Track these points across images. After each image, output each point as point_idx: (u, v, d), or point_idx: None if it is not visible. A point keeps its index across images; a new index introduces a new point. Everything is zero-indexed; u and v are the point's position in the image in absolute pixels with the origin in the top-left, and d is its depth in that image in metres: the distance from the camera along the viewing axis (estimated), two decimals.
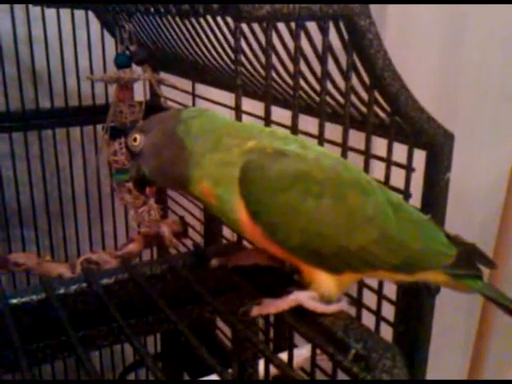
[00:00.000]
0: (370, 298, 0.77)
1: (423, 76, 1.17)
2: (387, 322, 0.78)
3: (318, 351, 0.77)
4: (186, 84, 1.15)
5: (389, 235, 0.50)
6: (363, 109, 0.71)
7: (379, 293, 0.76)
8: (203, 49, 0.94)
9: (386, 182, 0.70)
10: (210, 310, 0.64)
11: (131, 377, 1.40)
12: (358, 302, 0.76)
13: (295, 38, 0.57)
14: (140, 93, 1.09)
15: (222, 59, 0.92)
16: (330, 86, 0.68)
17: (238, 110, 0.60)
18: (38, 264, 0.99)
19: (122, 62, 0.99)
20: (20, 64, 1.19)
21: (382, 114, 0.70)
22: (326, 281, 0.50)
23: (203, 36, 0.90)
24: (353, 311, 0.75)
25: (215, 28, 0.84)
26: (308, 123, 0.76)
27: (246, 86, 0.92)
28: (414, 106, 0.65)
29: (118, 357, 1.48)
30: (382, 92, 0.64)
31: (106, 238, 1.37)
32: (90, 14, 1.22)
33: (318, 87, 0.72)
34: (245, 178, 0.48)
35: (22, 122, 1.22)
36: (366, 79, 0.64)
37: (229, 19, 0.79)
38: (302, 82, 0.74)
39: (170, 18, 0.94)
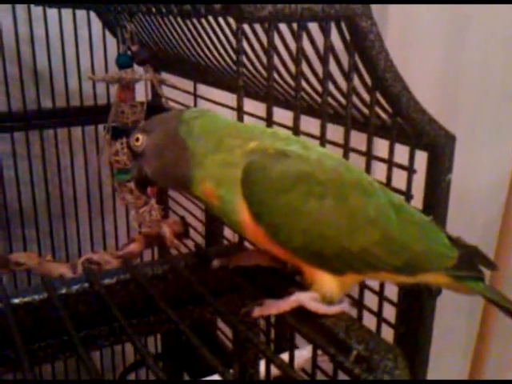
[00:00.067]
0: (371, 300, 0.77)
1: (425, 77, 1.17)
2: (388, 323, 0.78)
3: (319, 352, 0.77)
4: (187, 84, 1.15)
5: (391, 236, 0.50)
6: (365, 110, 0.71)
7: (380, 294, 0.76)
8: (205, 49, 0.94)
9: (388, 183, 0.70)
10: (211, 310, 0.64)
11: (131, 377, 1.40)
12: (359, 304, 0.76)
13: (297, 38, 0.57)
14: (141, 93, 1.09)
15: (224, 60, 0.92)
16: (331, 86, 0.68)
17: (239, 111, 0.60)
18: (39, 264, 0.99)
19: (124, 63, 0.99)
20: (22, 64, 1.19)
21: (383, 115, 0.70)
22: (327, 282, 0.50)
23: (205, 36, 0.90)
24: (354, 312, 0.75)
25: (217, 28, 0.84)
26: (310, 124, 0.76)
27: (247, 87, 0.92)
28: (415, 107, 0.65)
29: (119, 357, 1.48)
30: (384, 93, 0.64)
31: (107, 237, 1.38)
32: (92, 14, 1.22)
33: (319, 88, 0.72)
34: (247, 178, 0.48)
35: (23, 122, 1.22)
36: (368, 80, 0.64)
37: (230, 20, 0.79)
38: (303, 83, 0.74)
39: (171, 18, 0.94)
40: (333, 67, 0.63)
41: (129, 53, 0.99)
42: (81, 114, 1.28)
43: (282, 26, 0.64)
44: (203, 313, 0.64)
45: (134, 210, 1.07)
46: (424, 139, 0.69)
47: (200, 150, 0.51)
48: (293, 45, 0.62)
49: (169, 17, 0.94)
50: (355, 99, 0.68)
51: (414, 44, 1.20)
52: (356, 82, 0.63)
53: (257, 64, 0.84)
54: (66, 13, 1.19)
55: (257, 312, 0.50)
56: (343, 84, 0.66)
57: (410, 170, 0.71)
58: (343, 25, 0.57)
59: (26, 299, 0.54)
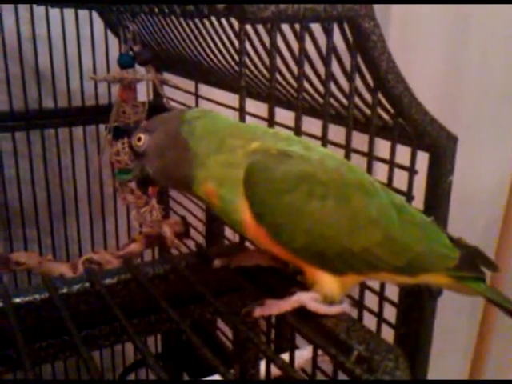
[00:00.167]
0: (371, 300, 0.77)
1: (426, 77, 1.17)
2: (389, 323, 0.78)
3: (320, 352, 0.77)
4: (189, 85, 1.16)
5: (392, 237, 0.50)
6: (367, 111, 0.71)
7: (381, 295, 0.76)
8: (207, 50, 0.94)
9: (389, 184, 0.70)
10: (211, 310, 0.64)
11: (131, 377, 1.40)
12: (359, 304, 0.76)
13: (299, 39, 0.57)
14: (143, 93, 1.09)
15: (226, 60, 0.92)
16: (333, 87, 0.68)
17: (242, 111, 0.60)
18: (40, 263, 0.99)
19: (126, 63, 0.99)
20: (24, 63, 1.19)
21: (385, 116, 0.70)
22: (328, 282, 0.50)
23: (207, 37, 0.90)
24: (354, 313, 0.75)
25: (219, 29, 0.84)
26: (311, 125, 0.76)
27: (249, 87, 0.92)
28: (417, 108, 0.65)
29: (119, 357, 1.48)
30: (386, 94, 0.64)
31: (108, 237, 1.37)
32: (94, 14, 1.22)
33: (321, 89, 0.72)
34: (249, 179, 0.48)
35: (24, 122, 1.22)
36: (370, 81, 0.64)
37: (233, 20, 0.79)
38: (305, 84, 0.74)
39: (174, 18, 0.94)
40: (335, 68, 0.63)
41: (131, 53, 0.99)
42: (82, 113, 1.28)
43: (285, 27, 0.64)
44: (204, 313, 0.64)
45: (135, 210, 1.07)
46: (426, 140, 0.69)
47: (202, 151, 0.51)
48: (295, 45, 0.63)
49: (171, 17, 0.94)
50: (357, 100, 0.69)
51: (415, 45, 1.20)
52: (358, 82, 0.63)
53: (259, 65, 0.84)
54: (68, 12, 1.19)
55: (258, 312, 0.50)
56: (345, 85, 0.66)
57: (412, 170, 0.71)
58: (346, 26, 0.58)
59: (27, 299, 0.54)
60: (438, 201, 0.71)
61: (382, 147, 0.76)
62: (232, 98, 1.06)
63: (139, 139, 0.54)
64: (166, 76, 1.19)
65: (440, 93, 1.23)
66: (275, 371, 0.72)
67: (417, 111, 0.65)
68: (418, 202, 0.72)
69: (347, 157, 0.65)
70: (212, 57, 0.95)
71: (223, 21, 0.80)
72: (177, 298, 0.61)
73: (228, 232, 1.12)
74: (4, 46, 1.17)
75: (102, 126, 1.25)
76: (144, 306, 0.60)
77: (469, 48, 1.21)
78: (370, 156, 0.68)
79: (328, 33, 0.58)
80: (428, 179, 0.72)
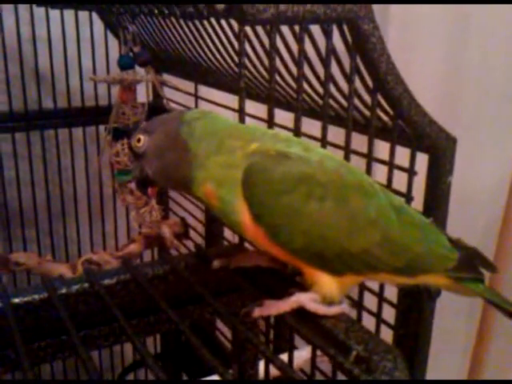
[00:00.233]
0: (370, 301, 0.77)
1: (426, 77, 1.17)
2: (388, 324, 0.78)
3: (318, 353, 0.77)
4: (188, 86, 1.16)
5: (391, 238, 0.51)
6: (366, 112, 0.71)
7: (380, 295, 0.76)
8: (206, 51, 0.95)
9: (389, 185, 0.70)
10: (211, 310, 0.64)
11: (130, 377, 1.40)
12: (358, 305, 0.76)
13: (299, 40, 0.58)
14: (143, 94, 1.09)
15: (226, 61, 0.92)
16: (333, 89, 0.69)
17: (241, 113, 0.60)
18: (39, 264, 0.99)
19: (125, 64, 0.99)
20: (23, 64, 1.19)
21: (384, 118, 0.71)
22: (327, 283, 0.50)
23: (207, 38, 0.90)
24: (353, 313, 0.75)
25: (219, 30, 0.84)
26: (311, 126, 0.76)
27: (249, 89, 0.92)
28: (416, 109, 0.65)
29: (118, 357, 1.48)
30: (385, 95, 0.64)
31: (107, 238, 1.38)
32: (94, 15, 1.22)
33: (321, 90, 0.72)
34: (248, 180, 0.48)
35: (24, 122, 1.22)
36: (369, 83, 0.64)
37: (233, 22, 0.79)
38: (305, 85, 0.74)
39: (173, 19, 0.94)
40: (334, 69, 0.63)
41: (130, 54, 1.00)
42: (82, 114, 1.28)
43: (284, 28, 0.64)
44: (203, 313, 0.64)
45: (135, 211, 1.07)
46: (425, 141, 0.69)
47: (201, 152, 0.51)
48: (294, 47, 0.63)
49: (171, 18, 0.94)
50: (356, 101, 0.69)
51: (415, 45, 1.20)
52: (357, 84, 0.63)
53: (258, 66, 0.84)
54: (68, 13, 1.19)
55: (257, 312, 0.50)
56: (344, 86, 0.66)
57: (411, 172, 0.71)
58: (345, 27, 0.58)
59: (26, 299, 0.54)
60: (437, 202, 0.71)
61: (382, 148, 0.76)
62: (231, 99, 1.06)
63: (139, 140, 0.54)
64: (166, 77, 1.19)
65: (440, 93, 1.23)
66: (274, 371, 0.72)
67: (416, 113, 0.66)
68: (418, 203, 0.72)
69: (346, 158, 0.65)
70: (211, 58, 0.95)
71: (223, 22, 0.80)
72: (176, 298, 0.61)
73: (227, 233, 1.12)
74: (4, 46, 1.17)
75: (101, 127, 1.26)
76: (143, 306, 0.60)
77: (469, 48, 1.21)
78: (370, 157, 0.69)
79: (327, 34, 0.58)
80: (427, 180, 0.72)
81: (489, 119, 1.26)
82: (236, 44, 0.83)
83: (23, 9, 1.19)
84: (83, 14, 1.21)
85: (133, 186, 1.02)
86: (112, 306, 0.52)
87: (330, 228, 0.48)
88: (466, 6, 1.16)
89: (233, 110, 1.04)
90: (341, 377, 0.49)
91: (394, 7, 1.16)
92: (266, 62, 0.75)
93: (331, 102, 0.73)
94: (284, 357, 0.69)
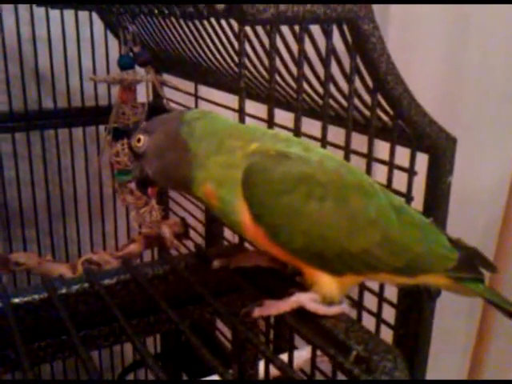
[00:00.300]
0: (370, 301, 0.77)
1: (426, 77, 1.17)
2: (388, 324, 0.78)
3: (318, 353, 0.77)
4: (188, 86, 1.16)
5: (391, 238, 0.51)
6: (366, 112, 0.71)
7: (380, 295, 0.76)
8: (206, 51, 0.95)
9: (389, 185, 0.70)
10: (211, 310, 0.64)
11: (130, 377, 1.40)
12: (358, 305, 0.76)
13: (299, 40, 0.58)
14: (143, 94, 1.10)
15: (226, 61, 0.92)
16: (333, 89, 0.69)
17: (241, 113, 0.60)
18: (39, 264, 0.99)
19: (125, 64, 0.99)
20: (23, 64, 1.19)
21: (384, 118, 0.71)
22: (327, 283, 0.50)
23: (207, 38, 0.90)
24: (353, 314, 0.75)
25: (219, 30, 0.84)
26: (311, 126, 0.76)
27: (249, 89, 0.92)
28: (416, 109, 0.65)
29: (118, 357, 1.48)
30: (385, 95, 0.64)
31: (107, 238, 1.38)
32: (94, 15, 1.22)
33: (321, 90, 0.72)
34: (248, 180, 0.48)
35: (24, 122, 1.22)
36: (369, 83, 0.64)
37: (233, 22, 0.79)
38: (305, 85, 0.74)
39: (173, 19, 0.94)
40: (334, 69, 0.63)
41: (130, 54, 1.00)
42: (82, 114, 1.28)
43: (284, 28, 0.64)
44: (203, 313, 0.64)
45: (135, 211, 1.07)
46: (425, 141, 0.69)
47: (201, 152, 0.51)
48: (294, 47, 0.63)
49: (171, 18, 0.94)
50: (356, 101, 0.69)
51: (415, 45, 1.20)
52: (357, 84, 0.63)
53: (259, 66, 0.84)
54: (68, 13, 1.19)
55: (257, 312, 0.50)
56: (344, 86, 0.66)
57: (411, 172, 0.71)
58: (345, 27, 0.58)
59: (26, 299, 0.54)
60: (437, 202, 0.71)
61: (382, 148, 0.76)
62: (231, 99, 1.06)
63: (139, 140, 0.54)
64: (166, 77, 1.19)
65: (440, 93, 1.23)
66: (274, 371, 0.72)
67: (416, 113, 0.66)
68: (418, 203, 0.72)
69: (347, 158, 0.65)
70: (211, 58, 0.95)
71: (223, 22, 0.80)
72: (176, 298, 0.61)
73: (227, 233, 1.12)
74: (4, 46, 1.17)
75: (101, 127, 1.26)
76: (143, 306, 0.60)
77: (469, 48, 1.21)
78: (370, 157, 0.69)
79: (327, 34, 0.58)
80: (427, 180, 0.72)
81: (489, 119, 1.26)
82: (236, 44, 0.83)
83: (23, 9, 1.19)
84: (83, 14, 1.21)
85: (133, 186, 1.02)
86: (112, 306, 0.52)
87: (330, 228, 0.48)
88: (465, 6, 1.16)
89: (233, 109, 1.04)
90: (341, 377, 0.49)
91: (393, 7, 1.16)
92: (266, 62, 0.75)
93: (331, 102, 0.73)
94: (284, 357, 0.69)
